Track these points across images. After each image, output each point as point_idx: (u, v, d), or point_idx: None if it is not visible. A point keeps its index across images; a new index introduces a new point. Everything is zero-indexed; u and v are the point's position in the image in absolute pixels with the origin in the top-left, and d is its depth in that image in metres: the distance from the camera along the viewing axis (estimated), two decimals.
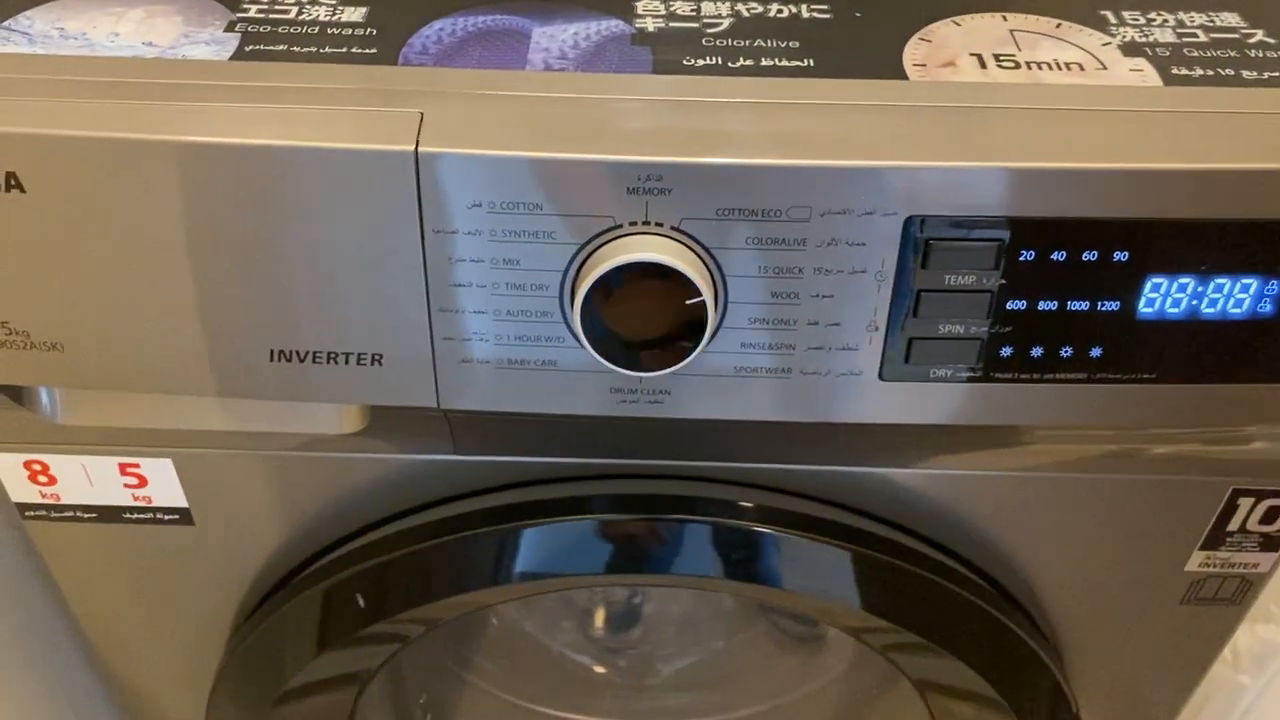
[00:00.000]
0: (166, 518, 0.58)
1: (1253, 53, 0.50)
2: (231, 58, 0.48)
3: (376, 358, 0.47)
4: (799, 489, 0.59)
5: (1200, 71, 0.48)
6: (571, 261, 0.45)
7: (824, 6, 0.52)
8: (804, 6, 0.52)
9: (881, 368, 0.48)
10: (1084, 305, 0.46)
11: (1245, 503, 0.56)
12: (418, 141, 0.42)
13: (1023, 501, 0.58)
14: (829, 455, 0.57)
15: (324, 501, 0.58)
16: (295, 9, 0.51)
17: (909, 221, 0.44)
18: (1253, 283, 0.46)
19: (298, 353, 0.47)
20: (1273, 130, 0.45)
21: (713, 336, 0.46)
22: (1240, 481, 0.55)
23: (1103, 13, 0.52)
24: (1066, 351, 0.47)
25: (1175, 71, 0.48)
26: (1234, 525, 0.57)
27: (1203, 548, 0.58)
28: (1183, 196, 0.44)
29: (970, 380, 0.48)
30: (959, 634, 0.60)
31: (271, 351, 0.48)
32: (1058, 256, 0.45)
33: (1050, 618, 0.64)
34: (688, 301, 0.44)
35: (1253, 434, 0.53)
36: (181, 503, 0.58)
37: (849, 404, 0.49)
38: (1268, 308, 0.46)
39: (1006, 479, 0.57)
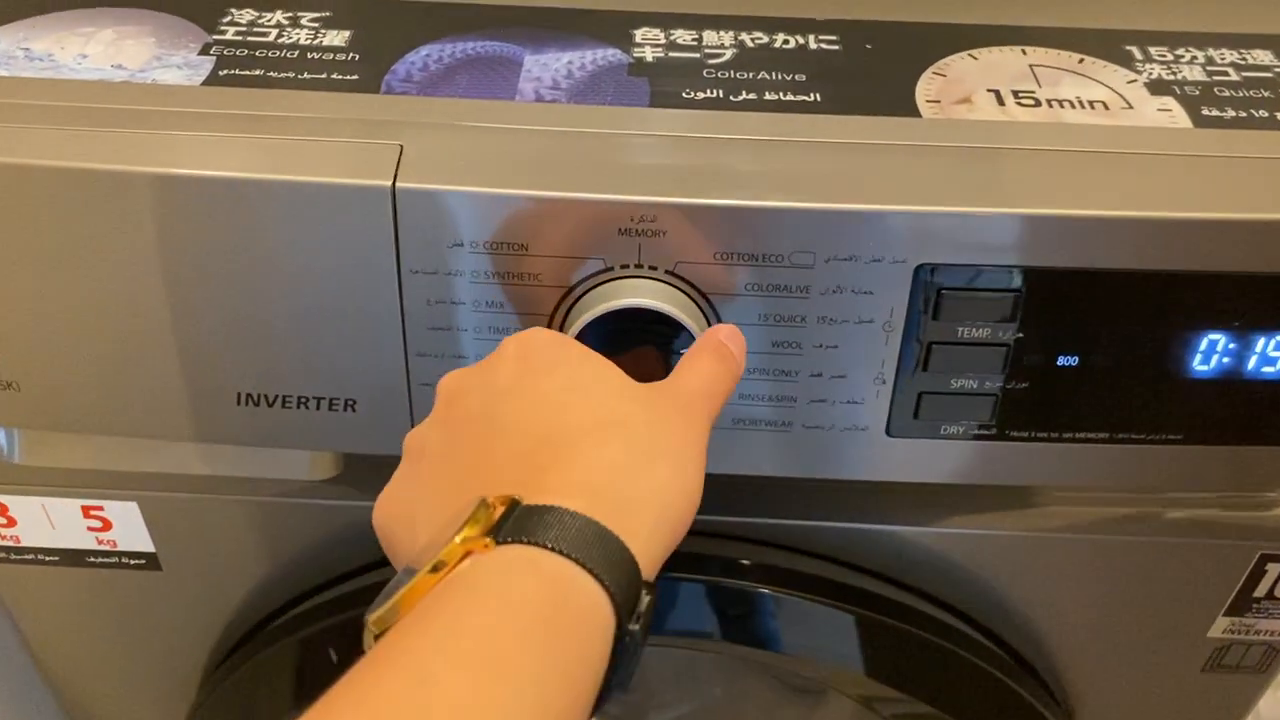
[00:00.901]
0: (132, 562, 0.55)
1: None
2: (204, 83, 0.45)
3: (350, 403, 0.44)
4: (802, 546, 0.56)
5: (1232, 113, 0.46)
6: (559, 305, 0.42)
7: (833, 37, 0.50)
8: (812, 37, 0.50)
9: (889, 423, 0.45)
10: (1106, 361, 0.43)
11: (1274, 568, 0.53)
12: (395, 176, 0.40)
13: (1039, 563, 0.55)
14: (834, 511, 0.54)
15: (297, 549, 0.55)
16: (275, 31, 0.48)
17: (920, 269, 0.41)
18: None
19: (266, 396, 0.45)
20: None
21: None
22: (1269, 546, 0.52)
23: (1128, 48, 0.50)
24: (1087, 410, 0.44)
25: (1206, 112, 0.46)
26: (1261, 591, 0.53)
27: (1227, 614, 0.55)
28: (1214, 248, 0.41)
29: (983, 438, 0.45)
30: (970, 704, 0.56)
31: (239, 395, 0.45)
32: (1079, 309, 0.42)
33: (1065, 684, 0.60)
34: (683, 350, 0.41)
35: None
36: (148, 547, 0.55)
37: (854, 461, 0.46)
38: None
39: (1023, 539, 0.54)
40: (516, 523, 0.29)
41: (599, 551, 0.29)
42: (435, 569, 0.29)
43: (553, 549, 0.29)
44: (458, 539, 0.29)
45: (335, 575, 0.56)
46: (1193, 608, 0.56)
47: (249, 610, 0.58)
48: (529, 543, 0.29)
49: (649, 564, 0.31)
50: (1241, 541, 0.52)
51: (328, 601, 0.56)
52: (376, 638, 0.29)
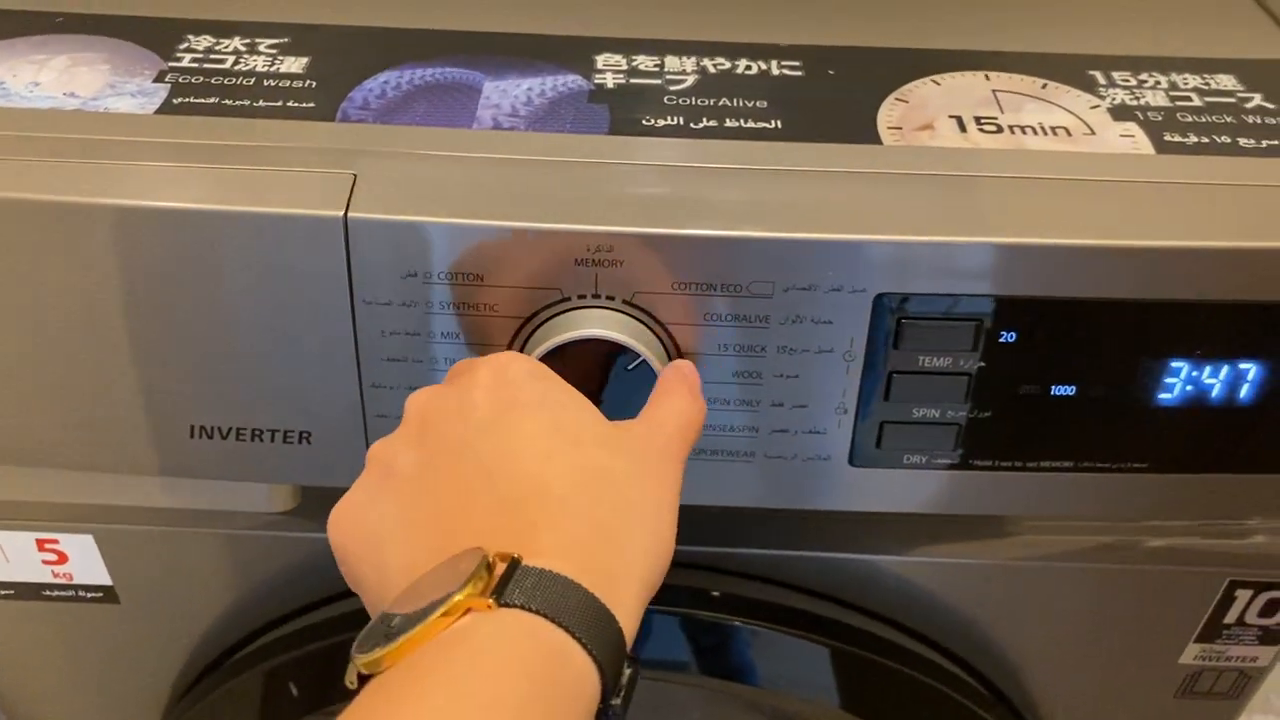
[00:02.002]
0: (89, 595, 0.54)
1: (1250, 118, 0.47)
2: (158, 111, 0.44)
3: (305, 435, 0.44)
4: (773, 575, 0.55)
5: (1195, 138, 0.45)
6: (516, 336, 0.41)
7: (796, 63, 0.49)
8: (774, 62, 0.49)
9: (852, 453, 0.44)
10: (1070, 390, 0.42)
11: (1243, 595, 0.52)
12: (348, 206, 0.39)
13: (1010, 592, 0.54)
14: (805, 540, 0.53)
15: (257, 581, 0.54)
16: (232, 58, 0.48)
17: (880, 298, 0.40)
18: (1251, 368, 0.42)
19: (220, 429, 0.44)
20: (1274, 204, 0.42)
21: None
22: (1237, 573, 0.52)
23: (1091, 73, 0.49)
24: (1051, 439, 0.43)
25: (1168, 138, 0.45)
26: (1231, 618, 0.53)
27: (1198, 640, 0.54)
28: (1177, 276, 0.41)
29: (947, 468, 0.44)
30: None
31: (192, 428, 0.44)
32: (1041, 338, 0.41)
33: (1040, 713, 0.60)
34: (640, 381, 0.41)
35: (1250, 525, 0.50)
36: (105, 580, 0.54)
37: (818, 490, 0.45)
38: (1267, 394, 0.43)
39: (994, 568, 0.53)
40: (516, 585, 0.29)
41: (594, 626, 0.29)
42: (440, 617, 0.28)
43: (552, 619, 0.28)
44: (459, 595, 0.28)
45: (296, 607, 0.55)
46: (1164, 635, 0.55)
47: (210, 642, 0.57)
48: (529, 610, 0.28)
49: (631, 632, 0.31)
50: (1210, 568, 0.52)
51: (291, 634, 0.55)
52: (363, 678, 0.29)
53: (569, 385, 0.36)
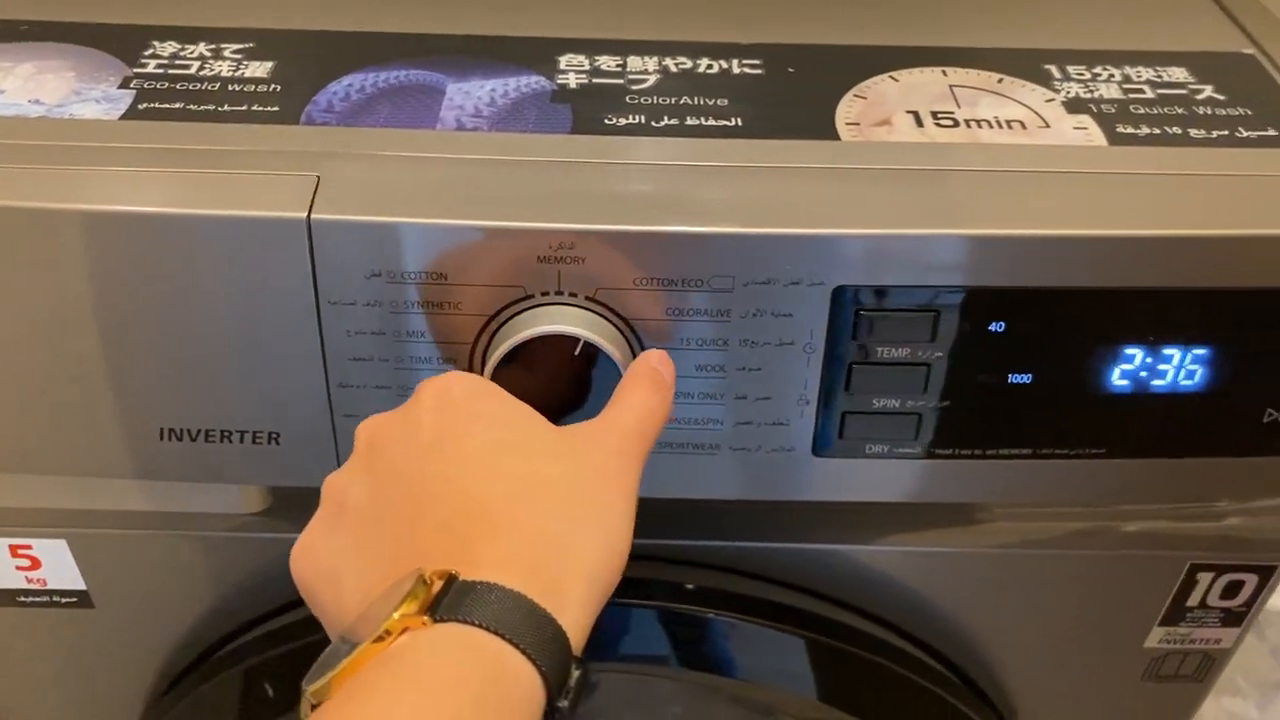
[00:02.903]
0: (64, 600, 0.55)
1: (1201, 110, 0.48)
2: (122, 117, 0.45)
3: (273, 436, 0.44)
4: (743, 567, 0.56)
5: (1147, 130, 0.46)
6: (481, 334, 0.42)
7: (756, 61, 0.50)
8: (735, 61, 0.50)
9: (815, 443, 0.45)
10: (1026, 378, 0.43)
11: (1204, 577, 0.53)
12: (311, 207, 0.40)
13: (977, 579, 0.55)
14: (773, 531, 0.54)
15: (232, 582, 0.54)
16: (197, 64, 0.48)
17: (838, 291, 0.41)
18: (1204, 354, 0.43)
19: (190, 431, 0.44)
20: (1223, 193, 0.43)
21: None
22: (1198, 556, 0.53)
23: (1047, 67, 0.50)
24: (1010, 427, 0.44)
25: (1121, 130, 0.46)
26: (1193, 600, 0.54)
27: (1162, 624, 0.55)
28: (1129, 264, 0.41)
29: (908, 457, 0.45)
30: None
31: (162, 430, 0.44)
32: (997, 328, 0.42)
33: (1011, 699, 0.60)
34: (604, 375, 0.41)
35: (1209, 508, 0.51)
36: (79, 585, 0.54)
37: (782, 481, 0.46)
38: (1220, 380, 0.44)
39: (961, 556, 0.54)
40: (452, 600, 0.30)
41: (532, 631, 0.29)
42: (375, 640, 0.29)
43: (487, 629, 0.29)
44: (395, 615, 0.29)
45: (272, 608, 0.56)
46: (1129, 619, 0.56)
47: (186, 645, 0.57)
48: (465, 622, 0.29)
49: (579, 636, 0.31)
50: (1171, 552, 0.53)
51: (268, 633, 0.56)
52: (314, 707, 0.29)
53: (514, 400, 0.36)
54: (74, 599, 0.55)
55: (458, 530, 0.32)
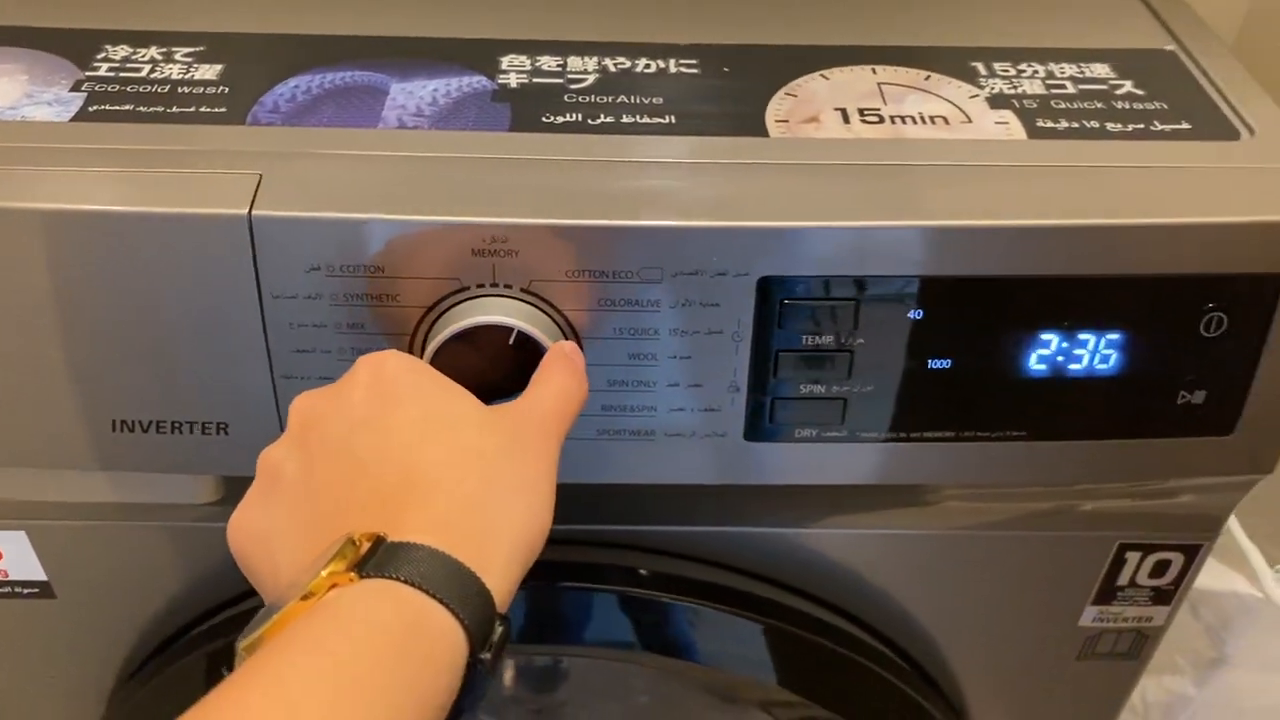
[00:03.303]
0: (25, 591, 0.56)
1: (1119, 104, 0.49)
2: (73, 119, 0.46)
3: (222, 427, 0.46)
4: (689, 552, 0.57)
5: (1065, 124, 0.48)
6: (419, 325, 0.43)
7: (693, 61, 0.52)
8: (673, 61, 0.52)
9: (746, 429, 0.46)
10: (947, 364, 0.45)
11: (1133, 556, 0.55)
12: (252, 204, 0.41)
13: (915, 561, 0.57)
14: (714, 516, 0.55)
15: (192, 570, 0.56)
16: (148, 67, 0.50)
17: (763, 282, 0.43)
18: (1118, 339, 0.45)
19: (140, 423, 0.46)
20: (1134, 184, 0.45)
21: None
22: (1126, 536, 0.54)
23: (974, 64, 0.52)
24: (932, 410, 0.46)
25: (1040, 124, 0.48)
26: (1123, 580, 0.56)
27: (1095, 602, 0.57)
28: (1043, 253, 0.43)
29: (836, 441, 0.47)
30: (868, 707, 0.58)
31: (113, 422, 0.46)
32: (916, 315, 0.44)
33: (956, 680, 0.62)
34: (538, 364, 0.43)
35: (1134, 488, 0.53)
36: (40, 576, 0.55)
37: (717, 466, 0.48)
38: (1134, 364, 0.45)
39: (900, 538, 0.56)
40: (379, 559, 0.31)
41: (454, 586, 0.31)
42: (303, 598, 0.31)
43: (409, 583, 0.31)
44: (324, 572, 0.31)
45: (234, 594, 0.57)
46: (1063, 599, 0.58)
47: (149, 633, 0.59)
48: (389, 577, 0.31)
49: (503, 595, 0.33)
50: (1101, 533, 0.55)
51: (230, 619, 0.57)
52: None
53: (446, 379, 0.38)
54: (35, 590, 0.56)
55: (388, 497, 0.33)
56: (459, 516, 0.33)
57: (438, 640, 0.30)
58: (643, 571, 0.58)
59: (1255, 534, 0.65)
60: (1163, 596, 0.57)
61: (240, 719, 0.27)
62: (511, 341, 0.42)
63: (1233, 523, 0.61)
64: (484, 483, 0.34)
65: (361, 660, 0.29)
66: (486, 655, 0.31)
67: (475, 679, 0.32)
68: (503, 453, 0.35)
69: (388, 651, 0.29)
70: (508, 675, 0.89)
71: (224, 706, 0.28)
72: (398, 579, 0.30)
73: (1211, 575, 0.60)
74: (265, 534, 0.35)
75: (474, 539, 0.32)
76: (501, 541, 0.33)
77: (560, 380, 0.39)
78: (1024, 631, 0.60)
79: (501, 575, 0.32)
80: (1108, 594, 0.56)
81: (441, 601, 0.30)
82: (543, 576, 0.56)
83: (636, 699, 0.97)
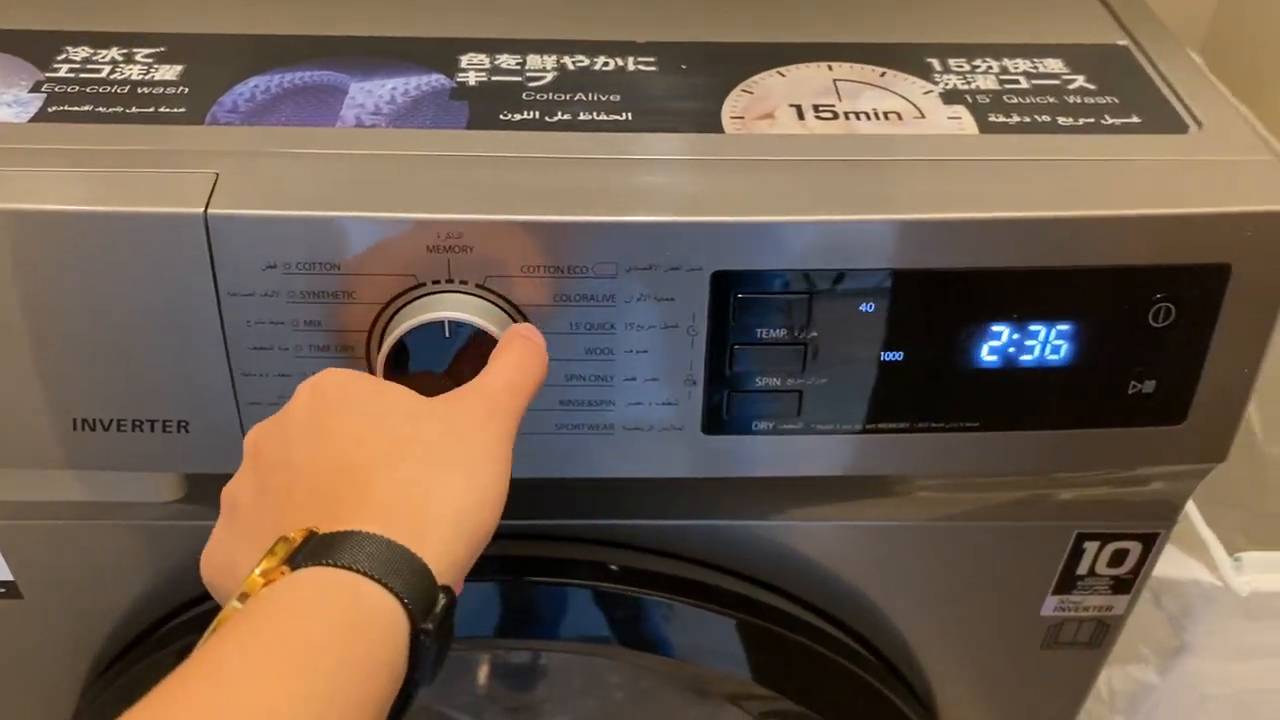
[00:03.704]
0: None
1: (1071, 99, 0.50)
2: (32, 119, 0.46)
3: (182, 424, 0.46)
4: (655, 546, 0.58)
5: (1017, 119, 0.49)
6: (376, 322, 0.44)
7: (651, 59, 0.52)
8: (631, 59, 0.52)
9: (703, 422, 0.47)
10: (899, 356, 0.45)
11: (1091, 546, 0.56)
12: (208, 203, 0.41)
13: (881, 552, 0.57)
14: (668, 510, 0.56)
15: (160, 568, 0.56)
16: (108, 68, 0.50)
17: (717, 276, 0.43)
18: (1068, 329, 0.46)
19: (101, 421, 0.46)
20: (1084, 178, 0.46)
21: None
22: (1084, 525, 0.55)
23: (929, 60, 0.53)
24: (886, 402, 0.46)
25: (993, 119, 0.49)
26: (1083, 569, 0.56)
27: (1055, 592, 0.58)
28: (993, 245, 0.44)
29: (793, 433, 0.47)
30: (836, 701, 0.59)
31: (75, 420, 0.46)
32: (868, 308, 0.44)
33: (924, 672, 0.63)
34: None
35: (1093, 479, 0.53)
36: (6, 576, 0.55)
37: (676, 459, 0.48)
38: (1084, 355, 0.46)
39: (863, 530, 0.56)
40: (311, 550, 0.32)
41: (386, 564, 0.32)
42: (240, 598, 0.32)
43: (340, 565, 0.31)
44: (258, 571, 0.32)
45: (203, 591, 0.57)
46: (1025, 589, 0.59)
47: (119, 631, 0.59)
48: (320, 564, 0.31)
49: (446, 568, 0.33)
50: (1058, 522, 0.55)
51: (199, 615, 0.57)
52: None
53: (383, 381, 0.39)
54: (1, 590, 0.56)
55: (327, 495, 0.34)
56: (393, 500, 0.34)
57: (374, 615, 0.31)
58: (613, 567, 0.59)
59: (1219, 523, 0.66)
60: (1122, 585, 0.57)
61: (182, 707, 0.28)
62: (446, 334, 0.42)
63: (1193, 512, 0.62)
64: (421, 466, 0.35)
65: (295, 642, 0.29)
66: (429, 625, 0.31)
67: (420, 652, 0.32)
68: (441, 437, 0.36)
69: (322, 631, 0.30)
70: (482, 673, 0.90)
71: (167, 699, 0.28)
72: (328, 564, 0.31)
73: (1173, 564, 0.61)
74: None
75: (408, 518, 0.33)
76: (440, 518, 0.34)
77: (511, 357, 0.40)
78: (988, 622, 0.60)
79: (442, 550, 0.33)
80: (1068, 583, 0.57)
81: (373, 578, 0.31)
82: (507, 571, 0.58)
83: (612, 695, 0.98)
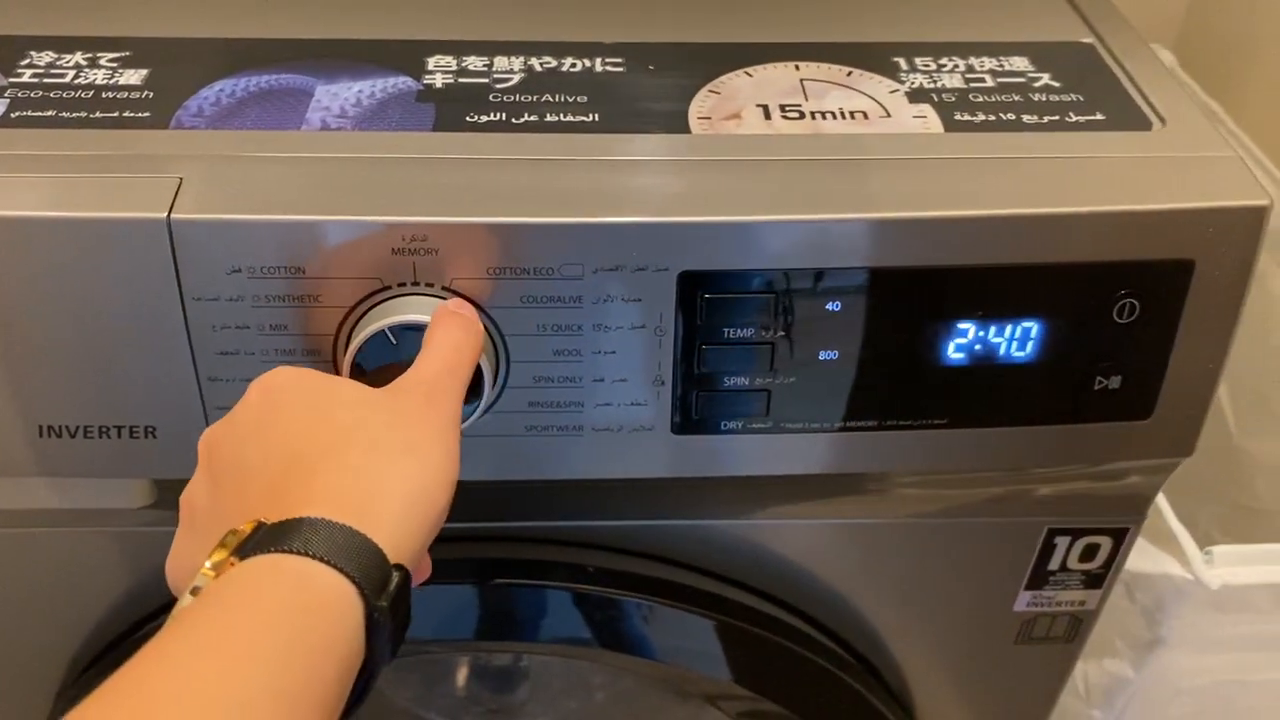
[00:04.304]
0: None
1: (1037, 97, 0.50)
2: None
3: (150, 430, 0.46)
4: (631, 547, 0.58)
5: (983, 117, 0.49)
6: (341, 325, 0.44)
7: (619, 59, 0.52)
8: (599, 60, 0.52)
9: (673, 422, 0.47)
10: (865, 354, 0.46)
11: (1062, 541, 0.56)
12: (171, 208, 0.41)
13: (855, 550, 0.57)
14: (640, 511, 0.56)
15: (133, 574, 0.56)
16: (73, 72, 0.50)
17: (683, 276, 0.43)
18: (1034, 326, 0.46)
19: (68, 428, 0.46)
20: (1048, 175, 0.46)
21: (498, 396, 0.46)
22: (1054, 521, 0.55)
23: (895, 59, 0.53)
24: (853, 400, 0.47)
25: (958, 117, 0.49)
26: (1055, 564, 0.57)
27: (1028, 587, 0.58)
28: (958, 243, 0.44)
29: (761, 432, 0.47)
30: (815, 701, 0.59)
31: (41, 427, 0.46)
32: (834, 307, 0.44)
33: (900, 669, 0.63)
34: None
35: (1062, 474, 0.53)
36: None
37: (645, 459, 0.48)
38: (1050, 351, 0.46)
39: (837, 528, 0.57)
40: (258, 539, 0.32)
41: (333, 545, 0.32)
42: (193, 592, 0.32)
43: (289, 551, 0.31)
44: (208, 564, 0.32)
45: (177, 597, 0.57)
46: (998, 584, 0.59)
47: (93, 637, 0.59)
48: (267, 552, 0.31)
49: (398, 547, 0.33)
50: (1028, 518, 0.55)
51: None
52: None
53: (332, 376, 0.39)
54: None
55: (277, 488, 0.34)
56: (341, 486, 0.34)
57: (325, 595, 0.31)
58: (589, 568, 0.59)
59: (1195, 517, 0.66)
60: (1094, 580, 0.58)
61: (134, 697, 0.28)
62: (395, 341, 0.42)
63: (1164, 506, 0.62)
64: (368, 451, 0.35)
65: (243, 627, 0.29)
66: (383, 603, 0.32)
67: (376, 630, 0.32)
68: (389, 422, 0.36)
69: (273, 616, 0.30)
70: (462, 675, 0.90)
71: (117, 692, 0.28)
72: (276, 551, 0.31)
73: (1145, 558, 0.61)
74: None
75: (357, 501, 0.33)
76: (390, 499, 0.34)
77: (440, 338, 0.40)
78: (962, 618, 0.61)
79: (393, 530, 0.33)
80: (1040, 579, 0.57)
81: (323, 560, 0.31)
82: (485, 574, 0.57)
83: (593, 697, 0.98)
